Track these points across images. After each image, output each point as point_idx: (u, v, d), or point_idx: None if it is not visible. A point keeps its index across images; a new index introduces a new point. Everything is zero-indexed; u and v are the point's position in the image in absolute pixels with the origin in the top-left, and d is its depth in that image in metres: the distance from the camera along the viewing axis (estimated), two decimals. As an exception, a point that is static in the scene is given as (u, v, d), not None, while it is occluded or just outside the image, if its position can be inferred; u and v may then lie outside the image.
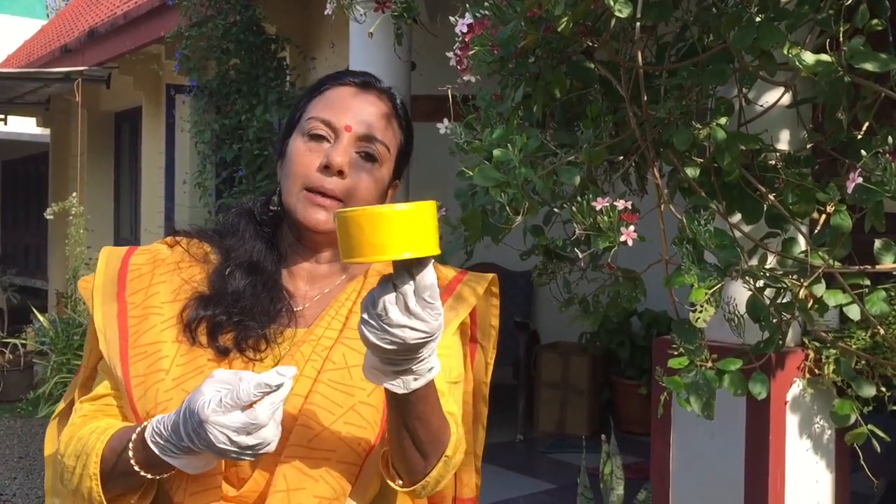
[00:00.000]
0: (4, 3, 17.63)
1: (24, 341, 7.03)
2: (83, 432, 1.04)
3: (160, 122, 7.70)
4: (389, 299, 0.85)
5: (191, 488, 1.00)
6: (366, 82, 1.15)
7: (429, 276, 0.86)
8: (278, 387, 0.90)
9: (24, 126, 11.85)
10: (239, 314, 1.08)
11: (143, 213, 8.15)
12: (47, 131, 10.64)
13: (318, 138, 1.10)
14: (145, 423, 0.97)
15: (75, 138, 8.58)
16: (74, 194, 6.84)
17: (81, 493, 1.01)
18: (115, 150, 9.42)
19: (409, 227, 0.83)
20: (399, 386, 0.90)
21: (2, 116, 10.12)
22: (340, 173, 1.08)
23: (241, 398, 0.88)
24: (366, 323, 0.86)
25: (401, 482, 1.01)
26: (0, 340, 7.19)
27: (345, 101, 1.12)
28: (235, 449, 0.89)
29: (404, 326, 0.85)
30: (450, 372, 1.10)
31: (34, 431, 5.74)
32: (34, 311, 7.09)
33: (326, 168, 1.08)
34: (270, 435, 0.90)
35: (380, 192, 1.14)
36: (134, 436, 0.97)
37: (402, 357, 0.88)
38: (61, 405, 1.20)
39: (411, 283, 0.85)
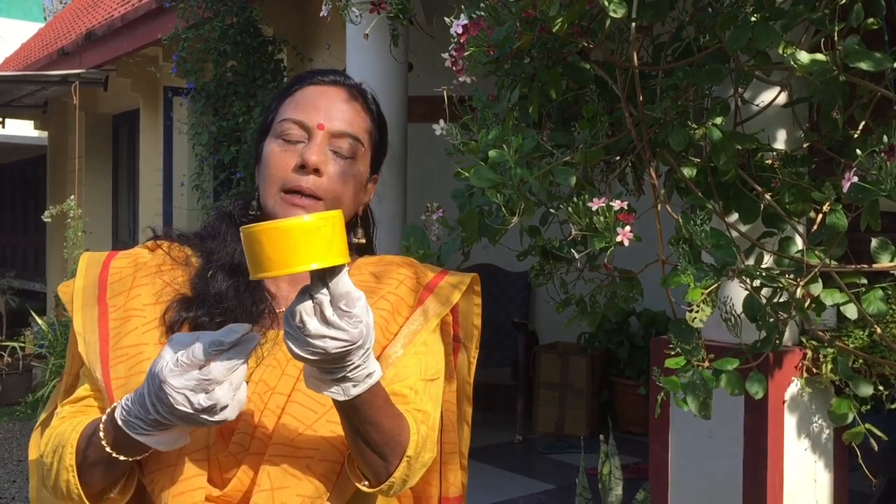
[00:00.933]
0: (2, 6, 17.62)
1: (22, 344, 7.02)
2: (60, 429, 1.03)
3: (158, 124, 7.69)
4: (306, 310, 0.85)
5: (174, 489, 0.99)
6: (335, 80, 1.16)
7: (342, 284, 0.86)
8: (232, 345, 0.90)
9: (21, 129, 11.85)
10: (221, 315, 1.07)
11: (141, 216, 8.14)
12: (45, 134, 10.63)
13: (291, 140, 1.11)
14: (115, 404, 0.96)
15: (73, 141, 8.57)
16: (72, 197, 6.82)
17: (60, 489, 0.99)
18: (113, 153, 9.41)
19: (312, 239, 0.84)
20: (339, 393, 0.91)
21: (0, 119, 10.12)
22: (317, 171, 1.08)
23: (196, 357, 0.88)
24: (287, 335, 0.87)
25: (366, 483, 1.01)
26: (-1, 343, 7.19)
27: (315, 100, 1.12)
28: (193, 411, 0.88)
29: (324, 336, 0.85)
30: (426, 369, 1.10)
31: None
32: (32, 314, 7.08)
33: (302, 167, 1.08)
34: (224, 396, 0.89)
35: (358, 187, 1.14)
36: (104, 417, 0.97)
37: (332, 366, 0.88)
38: (43, 415, 1.19)
39: (326, 292, 0.85)
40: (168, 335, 1.07)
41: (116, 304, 1.10)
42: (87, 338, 1.08)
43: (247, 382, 1.05)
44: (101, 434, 0.95)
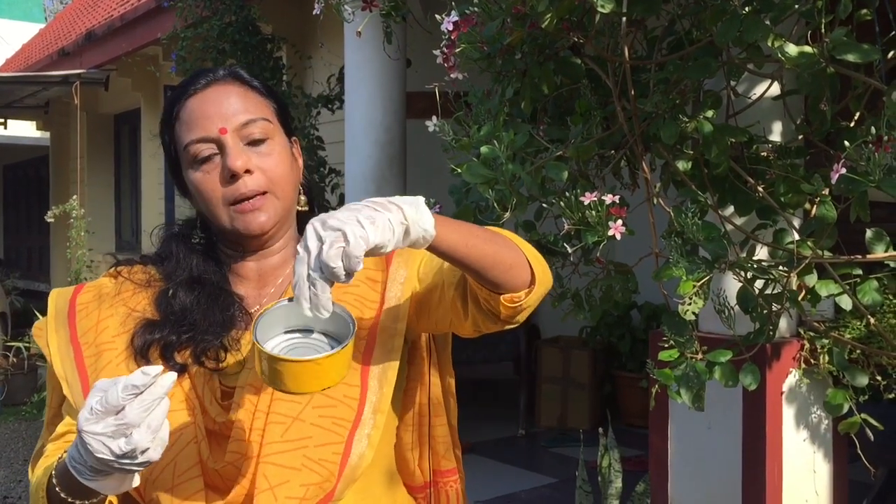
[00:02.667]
0: (2, 7, 17.65)
1: (27, 345, 7.04)
2: (39, 472, 1.04)
3: (159, 123, 7.70)
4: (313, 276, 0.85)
5: (177, 493, 1.01)
6: (206, 82, 1.13)
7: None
8: (146, 387, 0.87)
9: (24, 130, 11.88)
10: (189, 330, 1.07)
11: (143, 215, 8.17)
12: (47, 134, 10.66)
13: (206, 159, 1.09)
14: (66, 450, 0.95)
15: (75, 141, 8.60)
16: (75, 197, 6.85)
17: None
18: (115, 152, 9.43)
19: (328, 370, 0.89)
20: (420, 240, 0.90)
21: (1, 120, 10.14)
22: (247, 172, 1.08)
23: (109, 403, 0.87)
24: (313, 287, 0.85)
25: (518, 295, 1.00)
26: (4, 344, 7.21)
27: (201, 109, 1.10)
28: (114, 458, 0.87)
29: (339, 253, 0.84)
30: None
31: (38, 435, 5.75)
32: (37, 314, 7.11)
33: (232, 177, 1.08)
34: (143, 440, 0.87)
35: (288, 160, 1.13)
36: (57, 462, 0.97)
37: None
38: (39, 443, 1.19)
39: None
40: (139, 361, 1.06)
41: (87, 340, 1.10)
42: (69, 379, 1.08)
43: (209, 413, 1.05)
44: (55, 481, 0.96)
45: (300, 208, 1.18)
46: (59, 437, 1.09)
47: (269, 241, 1.14)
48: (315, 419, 1.03)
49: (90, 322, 1.11)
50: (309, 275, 0.85)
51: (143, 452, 0.88)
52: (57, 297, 1.15)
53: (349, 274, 0.84)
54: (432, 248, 0.93)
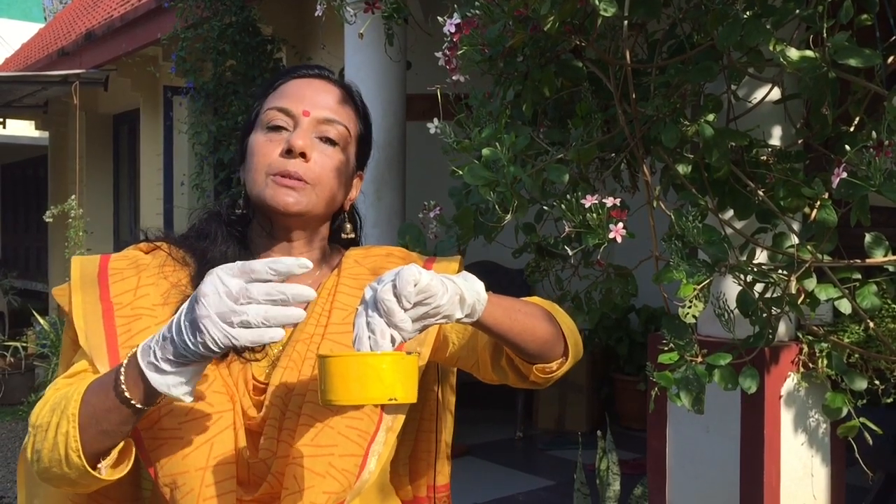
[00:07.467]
0: (2, 7, 17.65)
1: (24, 344, 7.04)
2: (61, 392, 0.98)
3: (158, 123, 7.71)
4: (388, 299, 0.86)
5: (204, 492, 0.99)
6: (319, 73, 1.16)
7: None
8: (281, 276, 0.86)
9: (22, 129, 11.88)
10: None
11: (142, 215, 8.16)
12: (46, 134, 10.65)
13: (278, 129, 1.10)
14: (135, 349, 0.92)
15: (74, 141, 8.58)
16: (73, 197, 6.84)
17: (57, 447, 0.93)
18: (114, 153, 9.42)
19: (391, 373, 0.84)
20: (468, 318, 0.93)
21: (0, 120, 10.14)
22: (303, 156, 1.08)
23: (252, 269, 0.86)
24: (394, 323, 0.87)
25: (551, 365, 1.07)
26: (1, 343, 7.21)
27: (300, 90, 1.12)
28: (228, 308, 0.85)
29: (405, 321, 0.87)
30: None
31: (36, 434, 5.75)
32: (35, 314, 7.11)
33: (289, 152, 1.08)
34: (257, 315, 0.85)
35: (343, 176, 1.14)
36: (125, 361, 0.92)
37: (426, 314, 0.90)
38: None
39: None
40: None
41: (122, 301, 1.07)
42: (89, 334, 1.05)
43: (266, 383, 1.06)
44: (123, 377, 0.90)
45: (346, 235, 1.20)
46: (75, 375, 1.04)
47: (293, 233, 1.13)
48: (343, 428, 1.03)
49: (127, 285, 1.09)
50: (368, 322, 0.86)
51: (251, 328, 0.85)
52: (82, 261, 1.13)
53: (402, 309, 0.86)
54: (479, 324, 0.97)
